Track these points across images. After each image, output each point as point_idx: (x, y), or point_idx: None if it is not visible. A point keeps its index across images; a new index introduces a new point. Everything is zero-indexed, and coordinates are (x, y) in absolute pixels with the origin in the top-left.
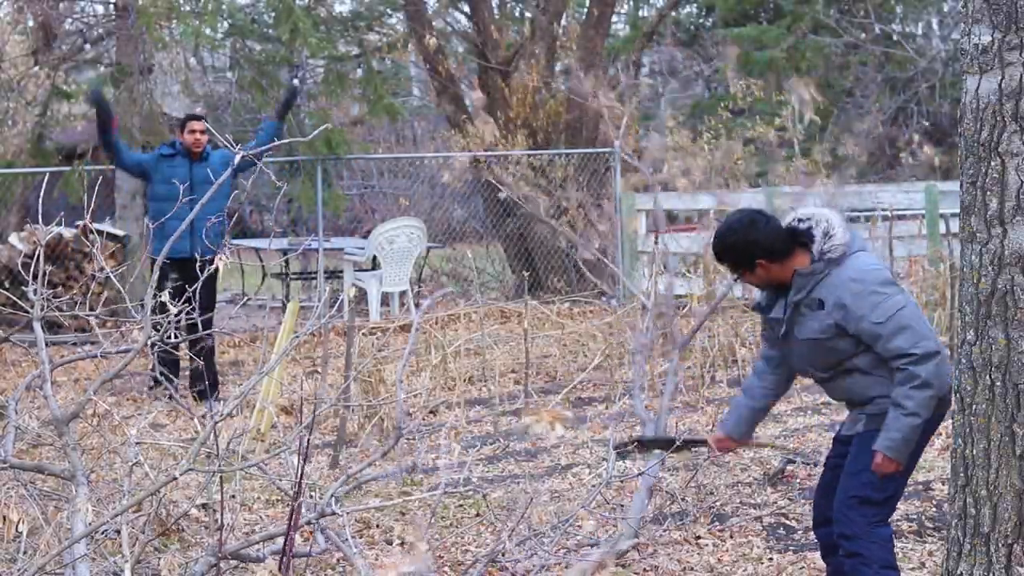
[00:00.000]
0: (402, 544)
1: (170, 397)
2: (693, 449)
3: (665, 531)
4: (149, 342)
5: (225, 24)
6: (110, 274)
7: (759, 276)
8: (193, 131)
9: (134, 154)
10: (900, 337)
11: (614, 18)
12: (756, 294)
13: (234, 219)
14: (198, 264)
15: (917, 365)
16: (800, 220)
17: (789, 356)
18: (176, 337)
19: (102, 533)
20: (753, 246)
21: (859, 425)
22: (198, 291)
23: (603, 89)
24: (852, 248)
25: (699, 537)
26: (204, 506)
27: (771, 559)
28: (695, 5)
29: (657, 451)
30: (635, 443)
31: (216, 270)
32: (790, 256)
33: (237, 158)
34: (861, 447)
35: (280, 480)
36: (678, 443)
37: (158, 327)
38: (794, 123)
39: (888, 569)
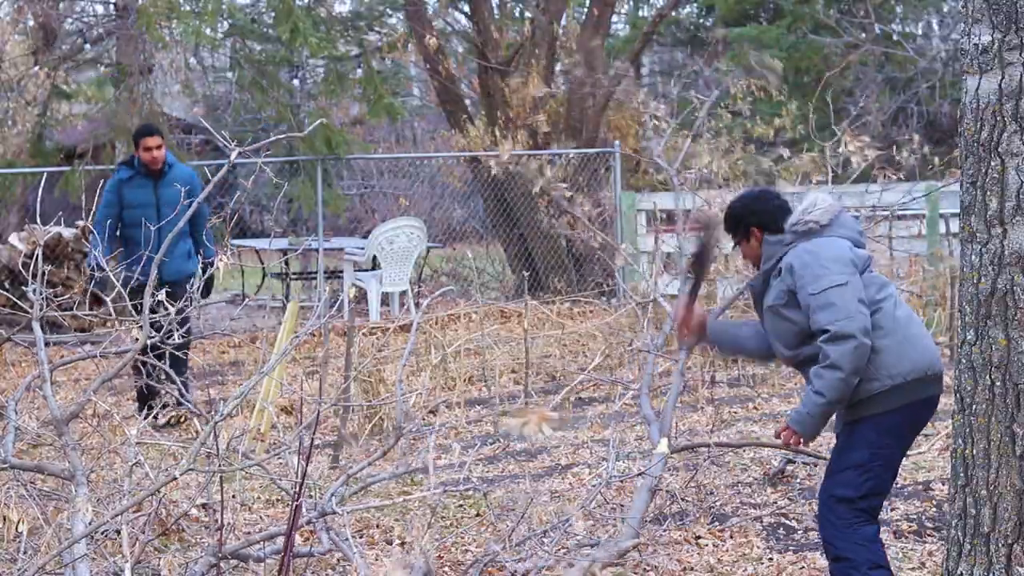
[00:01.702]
0: (402, 544)
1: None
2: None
3: (665, 531)
4: (148, 341)
5: (225, 24)
6: (110, 274)
7: (753, 248)
8: (148, 148)
9: (101, 215)
10: (823, 312)
11: (614, 18)
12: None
13: (234, 218)
14: (166, 289)
15: (828, 343)
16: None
17: (765, 330)
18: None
19: (102, 533)
20: (750, 215)
21: (840, 419)
22: (174, 317)
23: (638, 92)
24: (831, 231)
25: (699, 537)
26: (204, 506)
27: (771, 559)
28: (695, 5)
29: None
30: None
31: (205, 286)
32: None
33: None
34: (837, 447)
35: (280, 480)
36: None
37: (157, 327)
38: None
39: (876, 569)
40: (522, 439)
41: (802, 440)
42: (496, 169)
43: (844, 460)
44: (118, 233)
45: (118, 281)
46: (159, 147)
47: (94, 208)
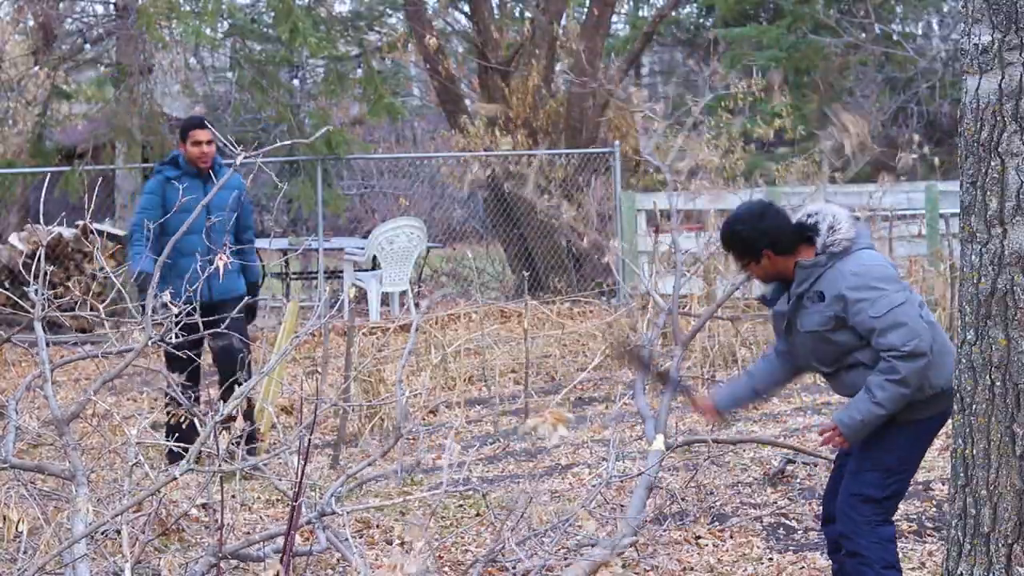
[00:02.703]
0: (402, 544)
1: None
2: (680, 393)
3: (665, 531)
4: (149, 341)
5: (225, 24)
6: (110, 274)
7: (764, 268)
8: (198, 142)
9: (141, 218)
10: (893, 333)
11: (614, 18)
12: (758, 287)
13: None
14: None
15: (902, 361)
16: (808, 216)
17: (794, 349)
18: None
19: (102, 533)
20: (760, 236)
21: None
22: (226, 336)
23: (610, 89)
24: (858, 244)
25: (699, 537)
26: (204, 506)
27: (771, 559)
28: (695, 5)
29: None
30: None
31: (249, 311)
32: (795, 251)
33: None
34: (864, 446)
35: (280, 480)
36: (674, 382)
37: (159, 327)
38: (831, 157)
39: (889, 569)
40: (536, 439)
41: (844, 442)
42: (468, 183)
43: (872, 462)
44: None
45: (159, 295)
46: (210, 142)
47: (92, 207)
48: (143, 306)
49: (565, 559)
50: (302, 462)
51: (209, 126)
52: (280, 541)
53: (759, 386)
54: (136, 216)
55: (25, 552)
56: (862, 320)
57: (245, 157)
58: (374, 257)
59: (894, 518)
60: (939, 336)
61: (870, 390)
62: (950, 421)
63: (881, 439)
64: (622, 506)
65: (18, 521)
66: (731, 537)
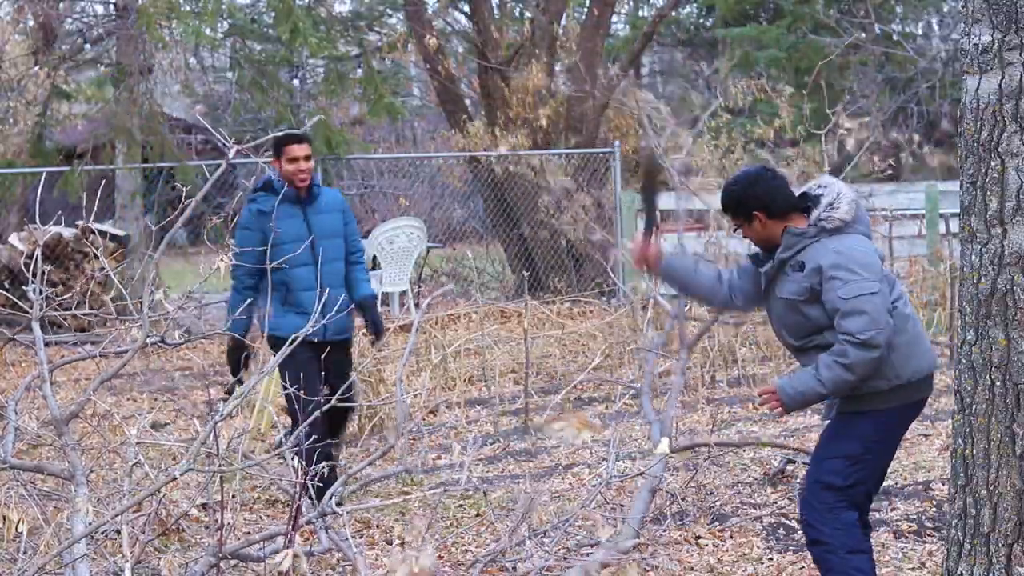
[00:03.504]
0: (402, 544)
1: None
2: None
3: (665, 531)
4: (148, 340)
5: (225, 24)
6: (110, 274)
7: (755, 230)
8: (295, 158)
9: (242, 265)
10: (854, 319)
11: (614, 18)
12: (753, 246)
13: (235, 219)
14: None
15: (853, 347)
16: (817, 186)
17: (768, 314)
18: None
19: (102, 533)
20: (752, 198)
21: (834, 410)
22: (332, 378)
23: (611, 92)
24: (852, 227)
25: (699, 537)
26: (204, 506)
27: (771, 559)
28: (695, 5)
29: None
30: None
31: (348, 354)
32: (788, 216)
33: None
34: (829, 435)
35: (280, 480)
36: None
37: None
38: (835, 150)
39: (854, 554)
40: (537, 438)
41: (781, 408)
42: (453, 178)
43: (836, 449)
44: (269, 284)
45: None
46: (307, 158)
47: (92, 208)
48: (141, 304)
49: (565, 559)
50: (302, 462)
51: (308, 139)
52: (280, 541)
53: (698, 279)
54: (237, 264)
55: (25, 552)
56: (831, 298)
57: (239, 152)
58: (374, 257)
59: (895, 518)
60: (914, 328)
61: (818, 367)
62: (950, 421)
63: (845, 427)
64: (622, 506)
65: (18, 521)
66: (731, 537)
